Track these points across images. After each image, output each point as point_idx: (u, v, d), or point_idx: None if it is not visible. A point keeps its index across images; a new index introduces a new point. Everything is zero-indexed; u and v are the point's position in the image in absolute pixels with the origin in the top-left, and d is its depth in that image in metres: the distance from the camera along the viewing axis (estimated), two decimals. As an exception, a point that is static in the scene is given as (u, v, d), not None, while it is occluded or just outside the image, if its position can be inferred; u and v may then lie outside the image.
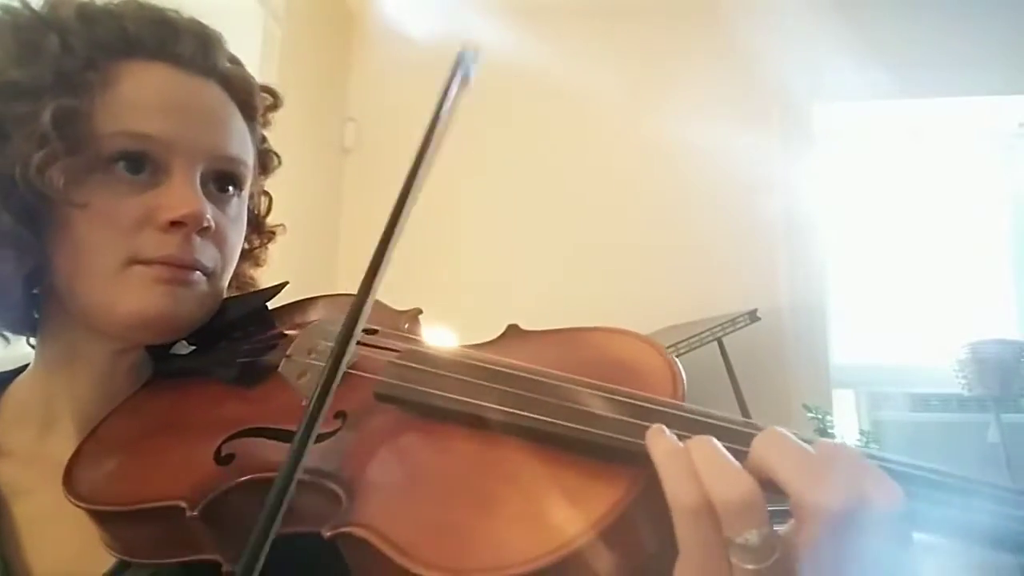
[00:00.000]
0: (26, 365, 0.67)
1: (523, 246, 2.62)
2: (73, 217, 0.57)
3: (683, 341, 2.02)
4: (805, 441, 0.39)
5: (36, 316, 0.64)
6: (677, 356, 2.06)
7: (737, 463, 0.38)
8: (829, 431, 2.19)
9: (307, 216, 2.44)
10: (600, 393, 0.44)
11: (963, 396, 2.37)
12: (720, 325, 2.11)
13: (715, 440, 0.39)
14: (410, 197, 0.43)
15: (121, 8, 0.61)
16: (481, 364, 0.49)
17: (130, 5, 0.61)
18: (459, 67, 0.45)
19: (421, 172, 0.44)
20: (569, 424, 0.42)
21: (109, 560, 0.54)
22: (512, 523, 0.40)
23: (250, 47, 2.15)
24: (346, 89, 2.85)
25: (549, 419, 0.43)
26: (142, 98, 0.58)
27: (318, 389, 0.39)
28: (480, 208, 2.69)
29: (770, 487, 0.37)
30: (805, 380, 2.43)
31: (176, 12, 0.63)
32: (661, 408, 0.43)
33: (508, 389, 0.46)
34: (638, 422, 0.41)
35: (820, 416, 2.20)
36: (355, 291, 0.42)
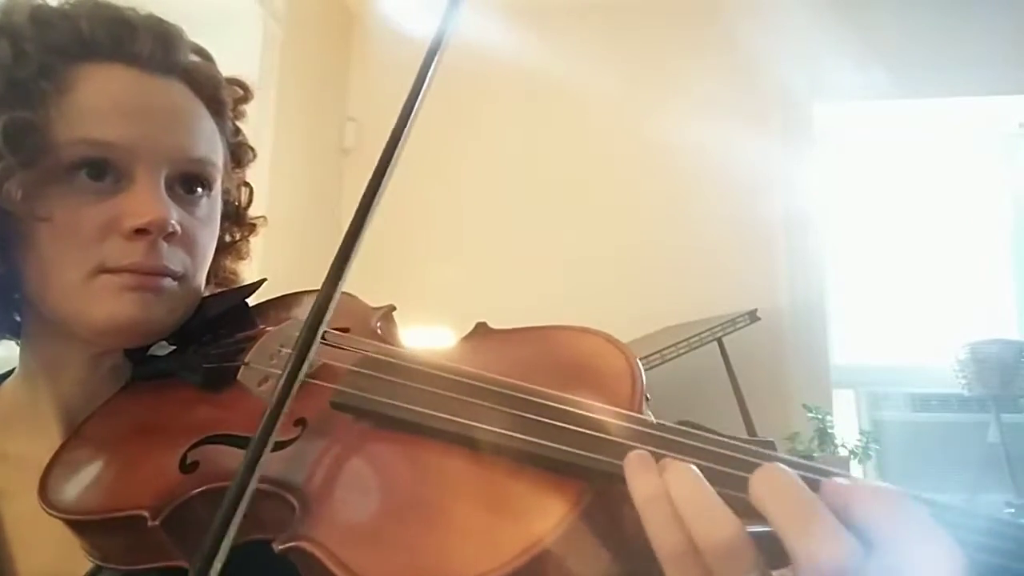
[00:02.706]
0: (14, 369, 0.67)
1: (521, 246, 2.62)
2: (37, 229, 0.56)
3: (683, 341, 2.02)
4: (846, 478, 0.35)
5: (18, 320, 0.64)
6: (677, 356, 2.05)
7: (721, 501, 0.35)
8: (829, 431, 2.19)
9: (307, 216, 2.44)
10: (555, 404, 0.43)
11: (963, 396, 2.37)
12: (720, 325, 2.11)
13: (696, 472, 0.37)
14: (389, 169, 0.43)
15: (76, 8, 0.59)
16: (440, 373, 0.48)
17: (86, 5, 0.59)
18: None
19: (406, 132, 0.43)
20: (518, 435, 0.42)
21: (88, 562, 0.54)
22: (459, 538, 0.39)
23: (250, 47, 2.15)
24: (346, 89, 2.85)
25: (499, 430, 0.42)
26: (100, 103, 0.56)
27: (272, 402, 0.38)
28: (479, 207, 2.69)
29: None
30: (805, 380, 2.43)
31: (133, 10, 0.61)
32: (616, 422, 0.42)
33: (465, 399, 0.45)
34: (593, 433, 0.41)
35: (820, 416, 2.20)
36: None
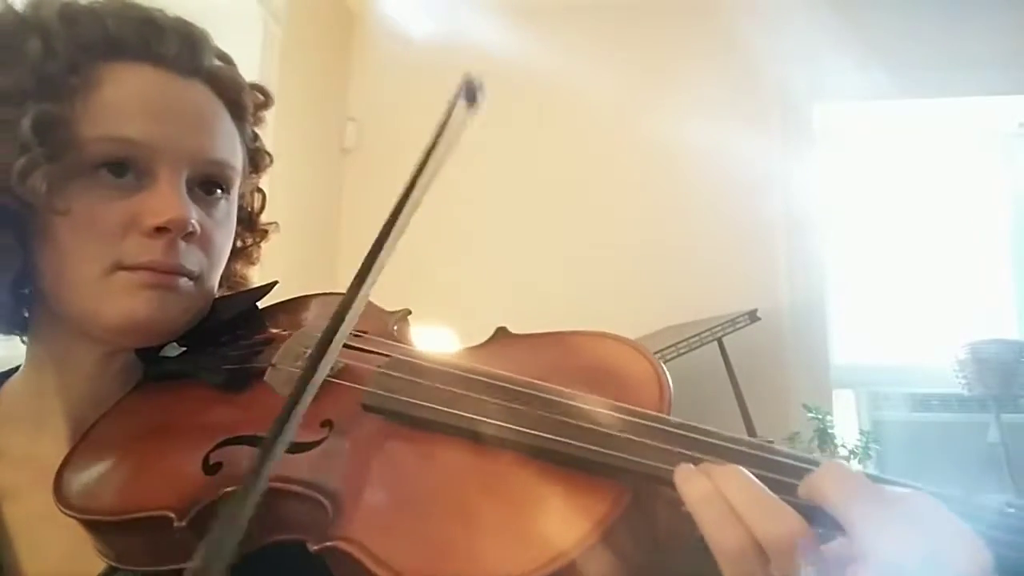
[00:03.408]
0: (19, 366, 0.67)
1: (522, 246, 2.62)
2: (57, 223, 0.56)
3: (683, 341, 2.02)
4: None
5: (26, 316, 0.64)
6: (677, 356, 2.06)
7: (776, 496, 0.36)
8: (829, 431, 2.19)
9: (307, 216, 2.44)
10: (588, 406, 0.44)
11: (963, 396, 2.37)
12: (720, 325, 2.10)
13: (745, 471, 0.37)
14: (403, 215, 0.43)
15: (105, 8, 0.60)
16: (469, 375, 0.48)
17: (114, 4, 0.60)
18: (463, 92, 0.45)
19: (416, 192, 0.43)
20: (557, 438, 0.42)
21: (101, 562, 0.54)
22: (498, 538, 0.39)
23: (250, 47, 2.15)
24: (346, 89, 2.84)
25: (537, 432, 0.42)
26: (125, 101, 0.57)
27: (288, 402, 0.39)
28: (478, 208, 2.69)
29: (823, 521, 0.35)
30: (805, 380, 2.42)
31: (161, 11, 0.62)
32: (650, 423, 0.42)
33: (496, 401, 0.45)
34: (628, 436, 0.41)
35: (820, 416, 2.20)
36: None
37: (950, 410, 2.52)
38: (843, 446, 2.21)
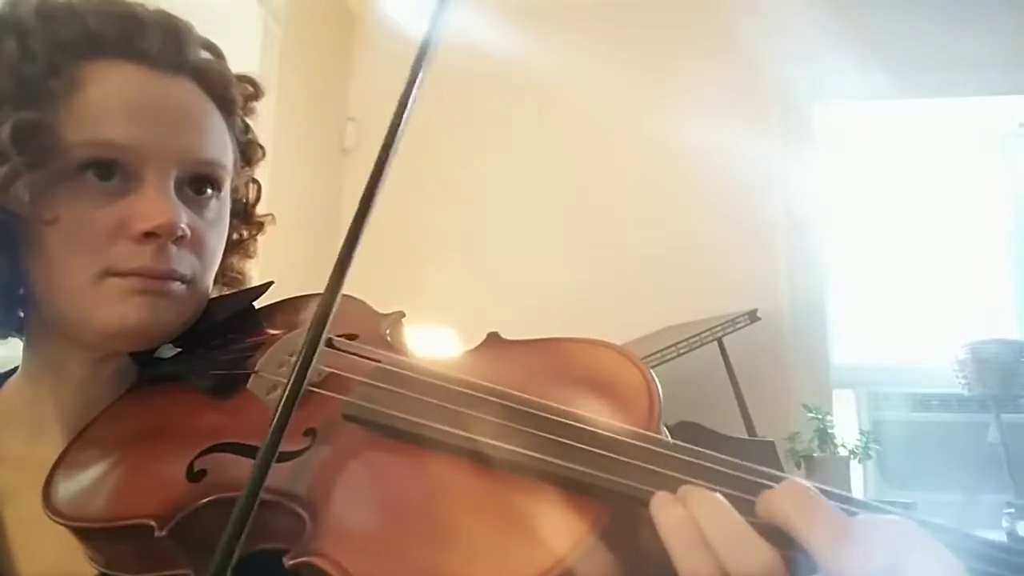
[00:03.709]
0: (16, 368, 0.66)
1: (522, 246, 2.62)
2: (45, 231, 0.55)
3: (683, 341, 2.02)
4: (849, 506, 0.36)
5: (21, 315, 0.63)
6: (677, 356, 2.05)
7: (751, 528, 0.36)
8: (829, 431, 2.19)
9: (307, 216, 2.44)
10: (573, 423, 0.43)
11: (963, 396, 2.37)
12: (720, 325, 2.10)
13: (723, 501, 0.37)
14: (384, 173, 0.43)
15: (84, 4, 0.58)
16: (456, 388, 0.47)
17: (93, 0, 0.58)
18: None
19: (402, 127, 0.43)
20: (540, 456, 0.41)
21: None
22: (475, 556, 0.39)
23: (250, 47, 2.15)
24: (346, 89, 2.84)
25: (519, 450, 0.42)
26: (108, 103, 0.55)
27: (274, 421, 0.38)
28: (478, 208, 2.69)
29: (785, 544, 0.35)
30: (805, 380, 2.42)
31: (142, 5, 0.60)
32: (638, 443, 0.41)
33: (480, 416, 0.45)
34: (613, 456, 0.41)
35: (820, 416, 2.20)
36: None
37: (950, 410, 2.52)
38: (843, 446, 2.21)
